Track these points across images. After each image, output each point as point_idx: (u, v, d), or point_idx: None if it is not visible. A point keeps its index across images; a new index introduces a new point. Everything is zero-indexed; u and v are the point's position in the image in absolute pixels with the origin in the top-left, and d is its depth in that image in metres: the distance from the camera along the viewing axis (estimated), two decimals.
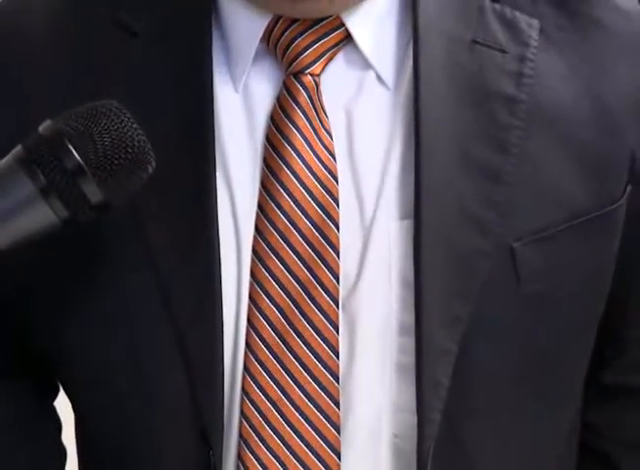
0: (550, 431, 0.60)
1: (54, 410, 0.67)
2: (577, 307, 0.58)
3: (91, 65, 0.56)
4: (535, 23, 0.57)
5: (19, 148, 0.45)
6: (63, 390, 0.65)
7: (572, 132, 0.57)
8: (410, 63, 0.56)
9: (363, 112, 0.56)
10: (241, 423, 0.55)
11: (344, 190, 0.55)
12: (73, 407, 0.63)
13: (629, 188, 0.59)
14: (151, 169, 0.47)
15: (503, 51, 0.56)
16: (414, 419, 0.54)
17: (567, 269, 0.57)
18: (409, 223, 0.55)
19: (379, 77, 0.56)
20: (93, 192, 0.44)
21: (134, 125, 0.46)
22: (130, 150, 0.45)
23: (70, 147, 0.44)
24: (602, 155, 0.57)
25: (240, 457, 0.55)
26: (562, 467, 0.64)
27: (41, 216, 0.45)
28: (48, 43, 0.57)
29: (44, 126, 0.45)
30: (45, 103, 0.55)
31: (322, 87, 0.55)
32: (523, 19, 0.57)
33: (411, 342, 0.54)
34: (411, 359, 0.54)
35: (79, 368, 0.58)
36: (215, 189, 0.54)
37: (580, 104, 0.57)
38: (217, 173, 0.54)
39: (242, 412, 0.55)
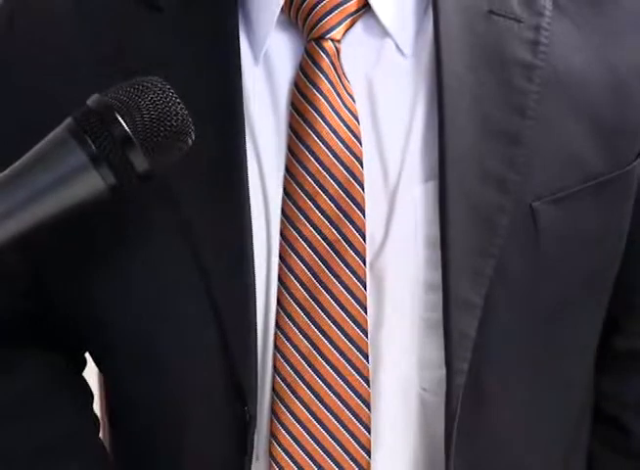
0: (568, 384, 0.62)
1: (85, 382, 0.69)
2: (594, 265, 0.61)
3: (116, 41, 0.59)
4: None
5: (69, 120, 0.47)
6: (94, 361, 0.68)
7: (586, 98, 0.59)
8: (427, 32, 0.58)
9: (383, 79, 0.58)
10: (274, 378, 0.57)
11: (368, 152, 0.57)
12: (107, 375, 0.66)
13: None
14: (190, 141, 0.49)
15: (519, 21, 0.59)
16: (442, 373, 0.57)
17: (583, 228, 0.59)
18: (434, 184, 0.57)
19: (397, 46, 0.58)
20: (140, 161, 0.47)
21: (177, 99, 0.48)
22: (174, 122, 0.48)
23: (120, 118, 0.46)
24: (614, 120, 0.60)
25: (274, 412, 0.57)
26: (578, 423, 0.66)
27: (90, 184, 0.47)
28: (75, 21, 0.60)
29: (92, 99, 0.48)
30: (74, 80, 0.58)
31: (342, 55, 0.58)
32: None
33: (438, 298, 0.56)
34: (438, 315, 0.56)
35: (116, 332, 0.60)
36: (245, 155, 0.57)
37: (593, 71, 0.59)
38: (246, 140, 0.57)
39: (275, 368, 0.57)
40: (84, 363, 0.70)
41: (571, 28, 0.60)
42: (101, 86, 0.49)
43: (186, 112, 0.49)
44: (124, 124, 0.47)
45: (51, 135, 0.48)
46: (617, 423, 0.71)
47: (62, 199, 0.47)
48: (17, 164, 0.47)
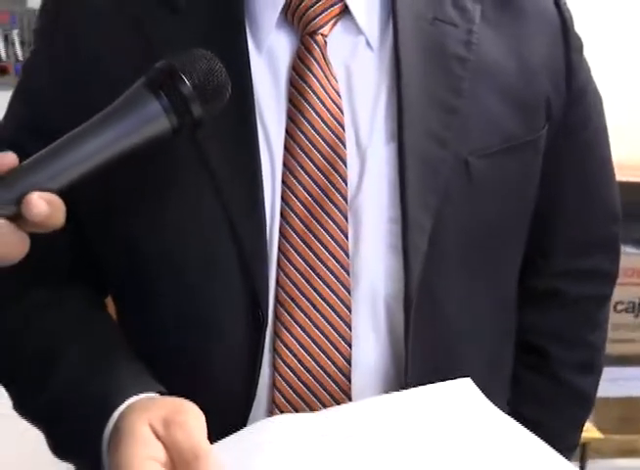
0: (499, 293, 0.82)
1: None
2: (514, 205, 0.80)
3: (145, 35, 0.74)
4: (478, 7, 0.79)
5: (143, 78, 0.63)
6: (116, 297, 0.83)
7: (504, 81, 0.79)
8: (389, 33, 0.77)
9: (357, 66, 0.76)
10: (277, 291, 0.74)
11: (347, 120, 0.75)
12: (132, 302, 0.81)
13: (547, 125, 0.82)
14: (228, 94, 0.66)
15: (456, 26, 0.78)
16: (401, 284, 0.75)
17: (506, 175, 0.78)
18: (394, 145, 0.76)
19: (367, 42, 0.77)
20: (196, 108, 0.63)
21: (219, 62, 0.65)
22: (218, 79, 0.64)
23: (183, 76, 0.63)
24: (526, 97, 0.79)
25: (277, 317, 0.74)
26: (507, 326, 0.86)
27: (160, 127, 0.63)
28: (109, 13, 0.76)
29: (161, 63, 0.63)
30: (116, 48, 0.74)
31: (328, 46, 0.76)
32: (469, 3, 0.79)
33: (398, 228, 0.74)
34: (398, 240, 0.74)
35: (150, 256, 0.75)
36: (255, 121, 0.74)
37: (509, 62, 0.79)
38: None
39: (278, 283, 0.74)
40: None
41: (493, 32, 0.79)
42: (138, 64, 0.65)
43: (225, 72, 0.65)
44: (187, 81, 0.62)
45: (129, 91, 0.63)
46: (540, 350, 0.91)
47: (137, 138, 0.62)
48: (102, 112, 0.62)
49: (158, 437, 0.60)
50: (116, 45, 0.75)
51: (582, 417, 0.96)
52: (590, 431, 2.11)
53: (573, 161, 0.87)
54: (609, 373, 2.26)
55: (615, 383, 2.20)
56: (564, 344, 0.91)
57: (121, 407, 0.65)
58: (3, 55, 1.84)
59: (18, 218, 0.58)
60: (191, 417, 0.60)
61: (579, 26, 0.85)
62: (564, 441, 0.91)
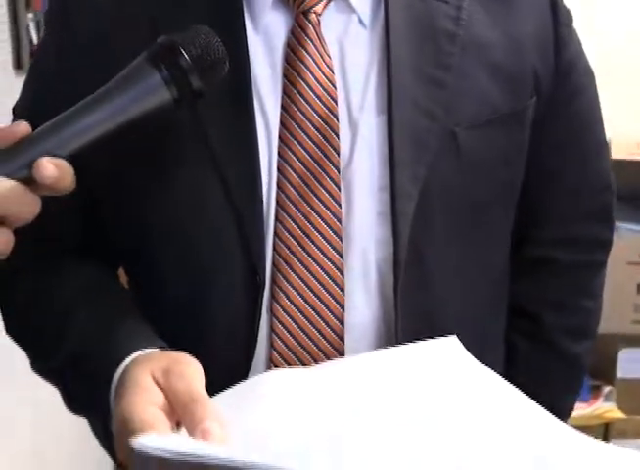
0: (489, 262, 0.86)
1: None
2: (501, 176, 0.84)
3: (144, 15, 0.78)
4: None
5: (145, 53, 0.67)
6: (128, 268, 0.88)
7: (491, 56, 0.82)
8: (380, 10, 0.81)
9: (350, 42, 0.80)
10: (274, 257, 0.78)
11: (340, 94, 0.79)
12: (140, 269, 0.86)
13: (534, 98, 0.85)
14: (227, 68, 0.70)
15: (446, 2, 0.81)
16: (391, 248, 0.78)
17: (493, 146, 0.82)
18: (384, 117, 0.79)
19: (360, 20, 0.81)
20: (195, 80, 0.67)
21: (217, 38, 0.69)
22: (216, 53, 0.69)
23: (182, 51, 0.67)
24: (512, 70, 0.82)
25: (274, 281, 0.78)
26: (497, 292, 0.90)
27: (160, 98, 0.67)
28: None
29: (161, 39, 0.68)
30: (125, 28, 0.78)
31: (322, 24, 0.80)
32: None
33: (387, 196, 0.78)
34: (387, 208, 0.78)
35: (157, 227, 0.80)
36: (252, 96, 0.78)
37: (497, 37, 0.82)
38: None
39: (275, 249, 0.78)
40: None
41: (482, 9, 0.82)
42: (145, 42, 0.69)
43: (223, 47, 0.69)
44: (186, 55, 0.67)
45: (132, 64, 0.67)
46: (534, 317, 0.94)
47: (141, 107, 0.67)
48: (107, 84, 0.67)
49: (158, 385, 0.64)
50: (121, 24, 0.79)
51: (575, 383, 0.99)
52: (613, 411, 2.13)
53: (565, 131, 0.90)
54: (631, 354, 2.28)
55: (638, 364, 2.21)
56: (557, 310, 0.95)
57: (127, 360, 0.70)
58: (35, 39, 1.91)
59: (30, 182, 0.63)
60: (190, 368, 0.65)
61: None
62: (556, 406, 0.94)
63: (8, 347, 0.88)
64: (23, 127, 0.64)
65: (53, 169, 0.63)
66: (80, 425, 0.86)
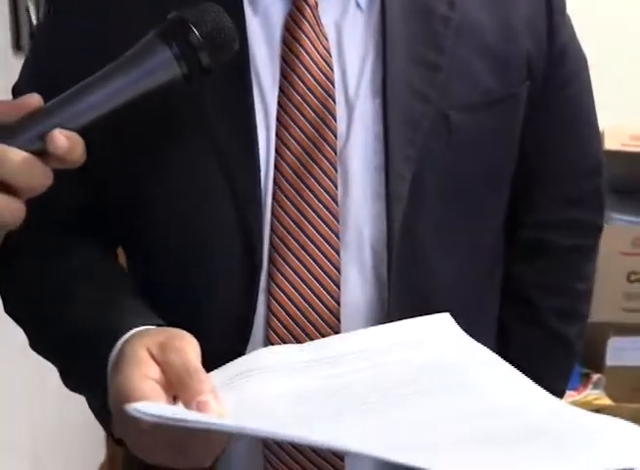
0: (482, 242, 0.87)
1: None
2: (492, 158, 0.85)
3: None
4: None
5: (156, 29, 0.68)
6: (126, 246, 0.89)
7: (484, 39, 0.83)
8: None
9: (347, 25, 0.81)
10: (272, 237, 0.79)
11: (337, 77, 0.81)
12: (139, 247, 0.86)
13: (529, 82, 0.87)
14: (236, 47, 0.71)
15: None
16: (384, 228, 0.79)
17: (485, 129, 0.83)
18: (379, 100, 0.81)
19: (357, 3, 0.82)
20: (205, 57, 0.68)
21: (226, 16, 0.70)
22: (226, 31, 0.70)
23: (192, 28, 0.68)
24: (504, 54, 0.84)
25: (272, 261, 0.79)
26: (489, 271, 0.91)
27: (171, 73, 0.68)
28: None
29: (172, 15, 0.69)
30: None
31: (319, 7, 0.81)
32: None
33: (382, 176, 0.80)
34: (382, 188, 0.80)
35: (156, 204, 0.81)
36: (250, 77, 0.79)
37: (490, 21, 0.83)
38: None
39: (272, 230, 0.79)
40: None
41: None
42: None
43: (232, 24, 0.70)
44: (196, 32, 0.68)
45: (143, 40, 0.68)
46: (527, 300, 0.95)
47: (151, 82, 0.68)
48: (118, 59, 0.67)
49: (154, 359, 0.65)
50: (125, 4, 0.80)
51: (567, 365, 1.00)
52: (602, 399, 2.15)
53: (559, 116, 0.91)
54: (621, 342, 2.30)
55: (627, 352, 2.24)
56: (549, 292, 0.96)
57: (125, 336, 0.71)
58: (34, 20, 1.90)
59: (43, 154, 0.65)
60: (186, 342, 0.66)
61: None
62: (548, 389, 0.96)
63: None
64: (36, 99, 0.65)
65: (64, 141, 0.64)
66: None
